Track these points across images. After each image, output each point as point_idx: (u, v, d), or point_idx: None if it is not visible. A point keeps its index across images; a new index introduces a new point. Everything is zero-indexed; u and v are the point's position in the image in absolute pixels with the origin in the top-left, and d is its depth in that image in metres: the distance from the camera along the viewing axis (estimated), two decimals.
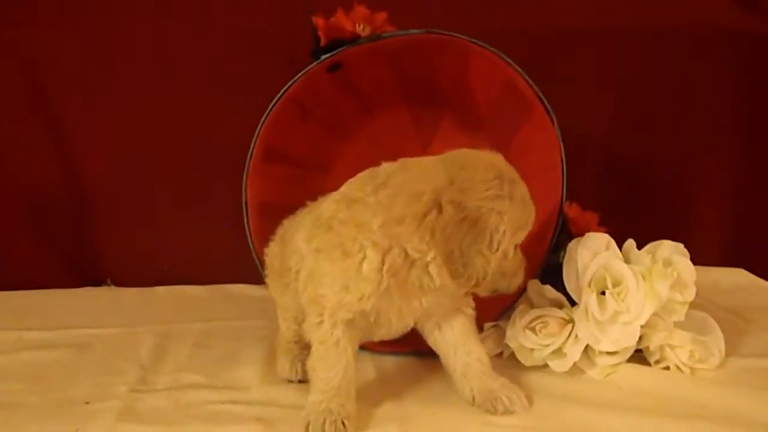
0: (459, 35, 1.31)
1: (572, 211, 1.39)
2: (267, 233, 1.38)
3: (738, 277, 1.83)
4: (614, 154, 1.86)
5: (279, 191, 1.45)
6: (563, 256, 1.30)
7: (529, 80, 1.33)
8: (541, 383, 1.23)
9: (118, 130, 1.79)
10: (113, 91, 1.78)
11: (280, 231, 1.33)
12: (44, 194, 1.82)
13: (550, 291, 1.30)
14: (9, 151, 1.79)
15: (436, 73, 1.42)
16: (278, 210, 1.39)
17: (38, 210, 1.82)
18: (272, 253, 1.33)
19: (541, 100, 1.34)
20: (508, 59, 1.32)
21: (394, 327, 1.14)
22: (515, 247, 1.10)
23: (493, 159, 1.09)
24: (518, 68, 1.32)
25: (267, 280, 1.35)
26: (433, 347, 1.20)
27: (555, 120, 1.34)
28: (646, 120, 1.87)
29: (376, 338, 1.18)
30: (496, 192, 1.03)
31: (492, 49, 1.31)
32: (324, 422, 1.04)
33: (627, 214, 1.69)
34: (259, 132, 1.33)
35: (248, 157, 1.35)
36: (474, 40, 1.31)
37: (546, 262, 1.36)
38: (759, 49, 1.86)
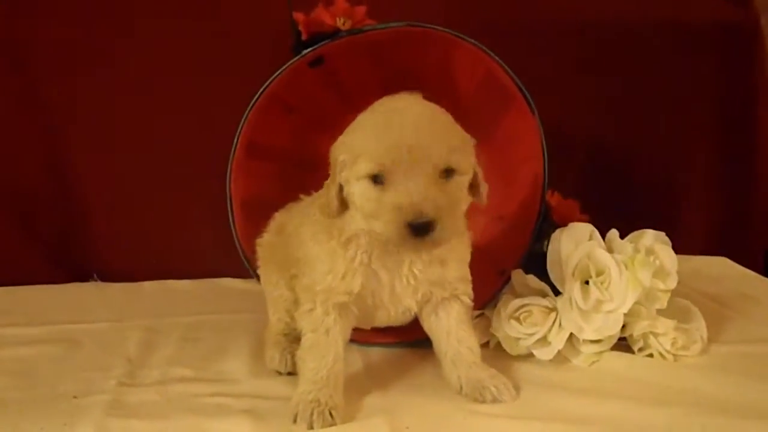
0: (440, 28, 1.31)
1: (554, 199, 1.41)
2: (252, 228, 1.38)
3: (720, 265, 1.85)
4: (598, 146, 1.88)
5: (263, 186, 1.45)
6: (546, 245, 1.32)
7: (510, 71, 1.33)
8: (527, 372, 1.24)
9: (104, 126, 1.78)
10: (99, 86, 1.76)
11: (273, 223, 1.33)
12: (30, 190, 1.80)
13: (533, 280, 1.31)
14: None
15: (417, 65, 1.42)
16: (263, 205, 1.39)
17: (24, 205, 1.80)
18: (266, 244, 1.33)
19: (521, 90, 1.35)
20: (488, 51, 1.32)
21: (391, 311, 1.15)
22: (372, 183, 1.02)
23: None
24: (499, 59, 1.33)
25: (259, 271, 1.35)
26: (428, 332, 1.21)
27: (535, 110, 1.35)
28: (630, 112, 1.88)
29: (377, 323, 1.20)
30: (351, 125, 1.06)
31: (472, 41, 1.32)
32: (312, 413, 1.05)
33: (611, 204, 1.69)
34: (241, 128, 1.33)
35: (231, 153, 1.34)
36: (455, 33, 1.31)
37: (529, 251, 1.37)
38: (742, 42, 1.87)
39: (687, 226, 1.90)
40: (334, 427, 1.05)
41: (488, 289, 1.35)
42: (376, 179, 1.01)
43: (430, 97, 1.08)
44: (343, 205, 1.08)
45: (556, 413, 1.09)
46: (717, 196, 1.95)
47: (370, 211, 1.02)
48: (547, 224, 1.37)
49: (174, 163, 1.79)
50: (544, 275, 1.30)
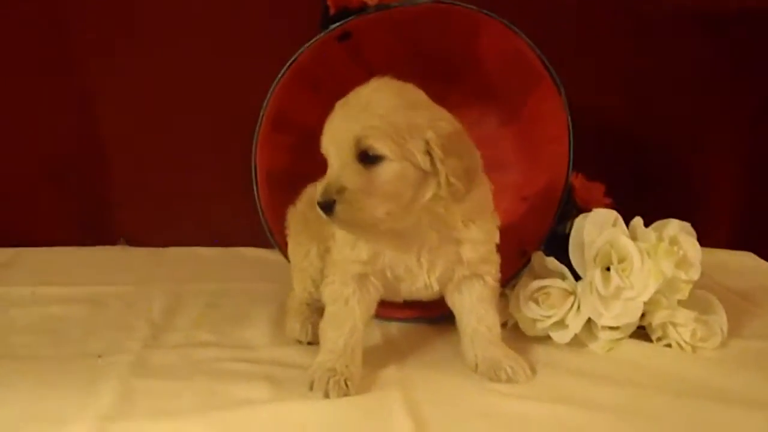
0: (467, 5, 1.31)
1: (578, 181, 1.41)
2: (276, 200, 1.40)
3: (746, 259, 1.84)
4: (627, 133, 1.86)
5: (288, 159, 1.46)
6: (569, 227, 1.32)
7: (537, 50, 1.33)
8: (543, 354, 1.25)
9: (135, 96, 1.80)
10: (132, 57, 1.78)
11: (306, 195, 1.35)
12: (63, 156, 1.83)
13: (552, 262, 1.31)
14: (29, 111, 1.81)
15: (445, 42, 1.42)
16: (287, 178, 1.41)
17: (56, 170, 1.84)
18: (298, 214, 1.35)
19: (548, 70, 1.34)
20: (516, 29, 1.32)
21: (411, 285, 1.16)
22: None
23: None
24: (527, 38, 1.32)
25: (288, 239, 1.37)
26: (452, 308, 1.22)
27: (563, 90, 1.34)
28: (660, 98, 1.86)
29: (404, 296, 1.21)
30: None
31: (501, 19, 1.31)
32: (328, 381, 1.08)
33: (637, 192, 1.68)
34: (268, 100, 1.34)
35: (257, 125, 1.35)
36: (483, 10, 1.31)
37: (552, 233, 1.37)
38: None
39: (714, 219, 1.88)
40: (348, 397, 1.07)
41: (509, 269, 1.35)
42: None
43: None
44: None
45: (569, 397, 1.10)
46: (746, 190, 1.93)
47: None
48: (569, 206, 1.37)
49: (201, 134, 1.81)
50: (565, 257, 1.30)
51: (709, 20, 1.82)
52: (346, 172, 1.04)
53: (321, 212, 1.04)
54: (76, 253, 1.81)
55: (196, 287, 1.56)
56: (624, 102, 1.85)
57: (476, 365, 1.17)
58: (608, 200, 1.42)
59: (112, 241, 1.86)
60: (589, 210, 1.33)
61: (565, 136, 1.36)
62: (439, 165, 1.04)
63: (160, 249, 1.83)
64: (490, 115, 1.53)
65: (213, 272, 1.68)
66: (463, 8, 1.30)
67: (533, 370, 1.17)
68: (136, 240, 1.86)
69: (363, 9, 1.31)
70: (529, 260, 1.36)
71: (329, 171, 1.07)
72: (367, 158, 1.03)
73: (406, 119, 1.04)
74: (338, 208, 1.02)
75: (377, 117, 1.03)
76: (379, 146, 1.03)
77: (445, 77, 1.47)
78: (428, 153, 1.04)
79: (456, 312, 1.22)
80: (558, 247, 1.32)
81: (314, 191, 1.30)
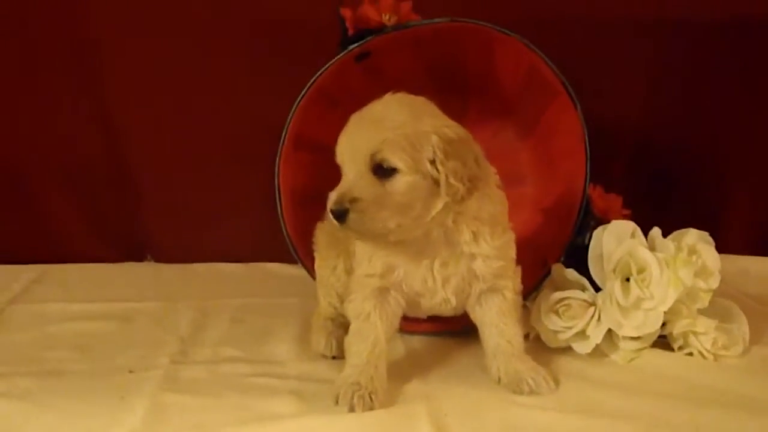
0: (483, 23, 1.33)
1: (595, 192, 1.41)
2: (300, 217, 1.43)
3: (766, 265, 1.82)
4: (645, 143, 1.86)
5: (310, 176, 1.48)
6: (589, 238, 1.33)
7: (552, 66, 1.35)
8: (566, 365, 1.26)
9: (159, 113, 1.84)
10: (155, 75, 1.82)
11: None
12: (89, 173, 1.87)
13: (572, 274, 1.33)
14: (56, 127, 1.85)
15: (462, 60, 1.45)
16: (310, 194, 1.43)
17: (83, 188, 1.88)
18: (327, 230, 1.36)
19: (564, 85, 1.36)
20: (531, 45, 1.34)
21: (432, 299, 1.18)
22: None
23: None
24: (542, 54, 1.34)
25: (316, 254, 1.39)
26: (474, 322, 1.24)
27: (578, 104, 1.36)
28: (678, 109, 1.86)
29: (425, 311, 1.23)
30: None
31: (515, 35, 1.33)
32: (352, 396, 1.09)
33: (657, 202, 1.69)
34: (290, 121, 1.37)
35: (280, 145, 1.38)
36: (498, 28, 1.33)
37: (571, 244, 1.39)
38: None
39: (734, 226, 1.87)
40: (373, 411, 1.09)
41: (531, 281, 1.36)
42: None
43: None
44: None
45: (592, 407, 1.11)
46: (765, 196, 1.91)
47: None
48: (588, 217, 1.39)
49: (226, 153, 1.84)
50: (584, 268, 1.31)
51: (725, 27, 1.82)
52: (360, 183, 1.07)
53: (332, 219, 1.07)
54: (104, 269, 1.84)
55: (222, 303, 1.58)
56: (640, 113, 1.85)
57: (499, 378, 1.19)
58: (627, 211, 1.43)
59: (139, 258, 1.90)
60: (607, 221, 1.34)
61: (582, 148, 1.37)
62: (440, 166, 1.07)
63: (187, 265, 1.86)
64: (508, 129, 1.55)
65: (238, 288, 1.70)
66: (479, 26, 1.33)
67: (556, 382, 1.18)
68: (163, 256, 1.90)
69: (381, 29, 1.34)
70: (549, 272, 1.37)
71: (343, 180, 1.09)
72: (381, 171, 1.07)
73: (414, 129, 1.07)
74: (351, 217, 1.05)
75: (390, 130, 1.06)
76: (394, 159, 1.06)
77: (462, 93, 1.50)
78: (432, 161, 1.07)
79: (478, 326, 1.23)
80: (578, 258, 1.34)
81: None
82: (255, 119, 1.74)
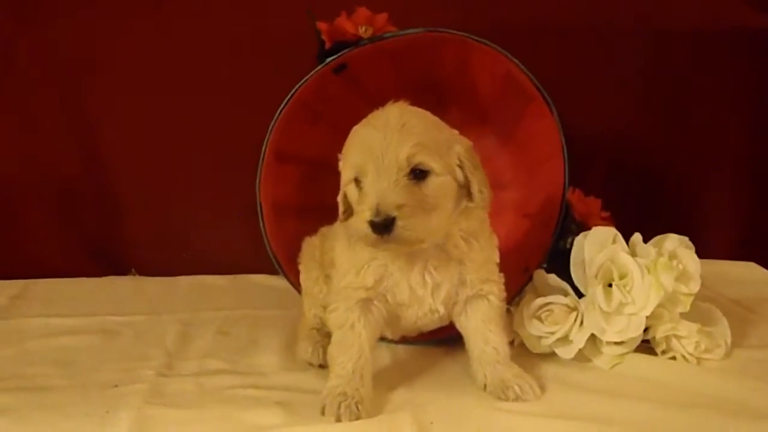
0: (457, 32, 1.34)
1: (574, 196, 1.43)
2: (282, 229, 1.43)
3: (747, 270, 1.84)
4: (624, 149, 1.87)
5: (292, 189, 1.50)
6: (570, 243, 1.34)
7: (528, 72, 1.36)
8: (550, 371, 1.26)
9: (140, 127, 1.84)
10: (135, 88, 1.82)
11: (323, 228, 1.38)
12: (71, 187, 1.86)
13: (554, 279, 1.33)
14: (36, 142, 1.84)
15: (438, 70, 1.46)
16: (293, 206, 1.44)
17: (65, 202, 1.87)
18: (311, 243, 1.38)
19: (539, 90, 1.37)
20: (505, 52, 1.35)
21: (417, 310, 1.18)
22: (356, 187, 1.10)
23: None
24: (517, 61, 1.35)
25: (300, 267, 1.39)
26: (459, 330, 1.24)
27: (554, 110, 1.37)
28: (656, 114, 1.88)
29: (407, 324, 1.22)
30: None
31: (490, 43, 1.34)
32: (339, 405, 1.09)
33: (637, 208, 1.70)
34: (269, 134, 1.37)
35: (260, 159, 1.38)
36: (473, 37, 1.34)
37: (552, 249, 1.39)
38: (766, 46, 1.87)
39: (715, 229, 1.90)
40: (360, 420, 1.09)
41: (513, 287, 1.36)
42: (358, 183, 1.09)
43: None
44: (350, 209, 1.14)
45: (577, 412, 1.12)
46: (745, 199, 1.94)
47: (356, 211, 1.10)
48: (568, 221, 1.40)
49: (208, 166, 1.84)
50: (566, 273, 1.32)
51: (708, 42, 1.85)
52: (398, 189, 1.04)
53: (371, 233, 1.03)
54: (87, 283, 1.82)
55: (207, 315, 1.58)
56: (619, 117, 1.86)
57: (485, 385, 1.19)
58: (605, 214, 1.44)
59: (123, 272, 1.89)
60: (587, 225, 1.36)
61: (560, 153, 1.38)
62: (470, 176, 1.10)
63: (171, 278, 1.85)
64: (488, 136, 1.56)
65: (223, 300, 1.69)
66: (454, 35, 1.34)
67: (542, 388, 1.19)
68: (146, 270, 1.88)
69: (357, 41, 1.35)
70: (531, 278, 1.38)
71: (371, 190, 1.05)
72: (417, 174, 1.07)
73: (441, 136, 1.10)
74: (400, 224, 1.02)
75: (419, 135, 1.07)
76: (429, 161, 1.07)
77: (441, 102, 1.49)
78: (460, 166, 1.10)
79: (463, 333, 1.24)
80: (559, 263, 1.35)
81: (328, 229, 1.34)
82: (237, 133, 1.74)
